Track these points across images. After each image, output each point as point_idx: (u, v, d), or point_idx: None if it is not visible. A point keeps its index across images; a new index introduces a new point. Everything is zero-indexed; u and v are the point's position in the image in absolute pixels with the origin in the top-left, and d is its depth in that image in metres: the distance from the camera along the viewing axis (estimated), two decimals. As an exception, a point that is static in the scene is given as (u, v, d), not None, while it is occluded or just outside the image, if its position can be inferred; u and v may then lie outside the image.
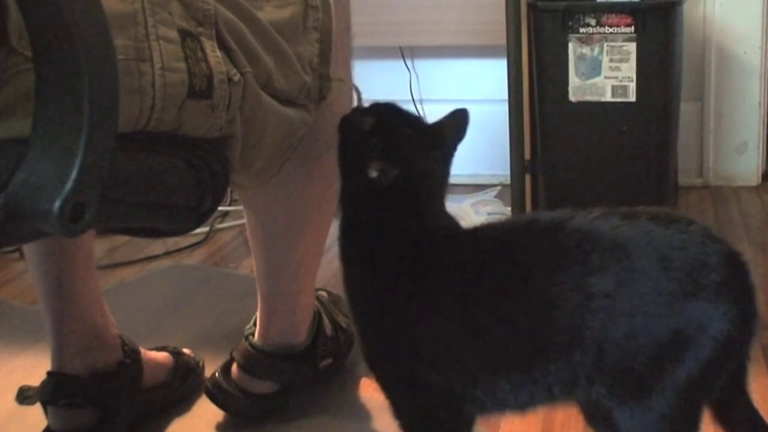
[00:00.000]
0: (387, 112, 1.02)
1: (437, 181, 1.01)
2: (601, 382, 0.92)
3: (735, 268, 0.92)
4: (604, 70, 2.12)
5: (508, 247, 0.96)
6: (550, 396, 0.94)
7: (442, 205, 1.02)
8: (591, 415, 0.95)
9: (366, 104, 1.06)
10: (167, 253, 2.19)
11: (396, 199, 0.98)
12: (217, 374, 1.42)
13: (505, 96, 2.10)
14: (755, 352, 0.96)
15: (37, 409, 1.34)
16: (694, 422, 0.95)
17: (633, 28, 2.08)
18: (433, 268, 0.96)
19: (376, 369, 1.03)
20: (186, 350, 1.53)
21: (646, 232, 0.91)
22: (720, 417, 0.99)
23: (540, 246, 0.94)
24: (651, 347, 0.89)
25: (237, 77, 0.95)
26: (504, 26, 2.05)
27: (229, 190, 1.05)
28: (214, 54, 0.92)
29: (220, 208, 1.40)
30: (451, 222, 1.01)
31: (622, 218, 0.93)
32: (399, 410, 1.02)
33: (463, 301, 0.95)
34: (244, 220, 1.49)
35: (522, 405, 0.96)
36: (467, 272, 0.95)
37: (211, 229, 2.31)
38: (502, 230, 1.00)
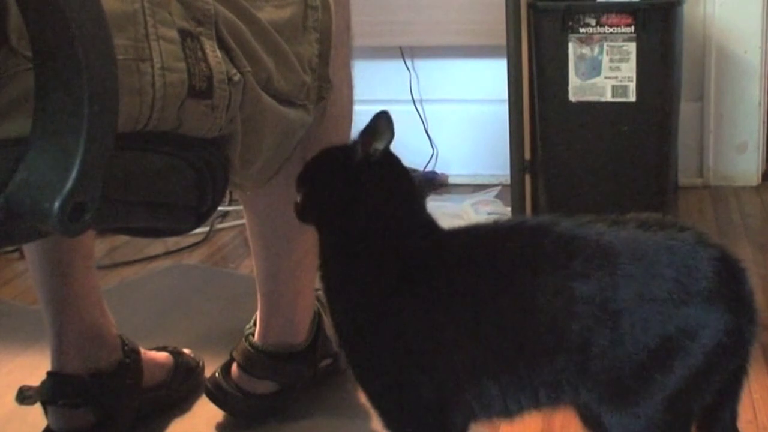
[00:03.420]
0: None
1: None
2: (588, 388, 0.91)
3: (729, 275, 0.90)
4: (604, 70, 2.12)
5: (494, 249, 0.95)
6: (536, 401, 0.94)
7: (423, 208, 1.02)
8: (584, 419, 0.95)
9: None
10: (167, 253, 2.19)
11: (378, 197, 0.98)
12: (217, 374, 1.42)
13: (505, 96, 2.10)
14: (755, 352, 0.95)
15: (37, 409, 1.34)
16: (684, 430, 0.94)
17: (633, 28, 2.08)
18: (420, 269, 0.96)
19: (363, 378, 1.02)
20: (186, 350, 1.53)
21: (633, 238, 0.91)
22: (701, 428, 0.98)
23: (525, 249, 0.93)
24: (639, 354, 0.89)
25: (237, 77, 0.94)
26: (504, 26, 2.05)
27: (229, 190, 1.05)
28: (214, 54, 0.92)
29: (220, 208, 1.40)
30: (434, 224, 1.01)
31: (609, 224, 0.92)
32: (388, 420, 1.02)
33: (449, 303, 0.94)
34: (244, 220, 1.49)
35: (510, 410, 0.95)
36: (453, 273, 0.95)
37: (211, 229, 2.31)
38: (488, 232, 0.99)
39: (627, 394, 0.90)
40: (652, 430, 0.91)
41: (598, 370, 0.90)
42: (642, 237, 0.91)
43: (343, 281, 1.00)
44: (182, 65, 0.89)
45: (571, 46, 2.12)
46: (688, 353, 0.89)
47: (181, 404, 1.46)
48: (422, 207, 1.01)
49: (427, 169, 2.71)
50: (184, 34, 0.90)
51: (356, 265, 0.99)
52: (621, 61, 2.11)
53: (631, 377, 0.90)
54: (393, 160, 1.00)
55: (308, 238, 1.36)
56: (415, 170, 2.65)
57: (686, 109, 2.45)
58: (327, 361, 1.49)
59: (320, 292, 1.54)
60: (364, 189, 0.98)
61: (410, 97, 2.68)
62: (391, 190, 0.99)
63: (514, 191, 2.14)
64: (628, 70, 2.11)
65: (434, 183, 2.67)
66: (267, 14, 1.01)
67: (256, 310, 1.43)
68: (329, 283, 1.02)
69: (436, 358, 0.95)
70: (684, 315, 0.88)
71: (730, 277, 0.90)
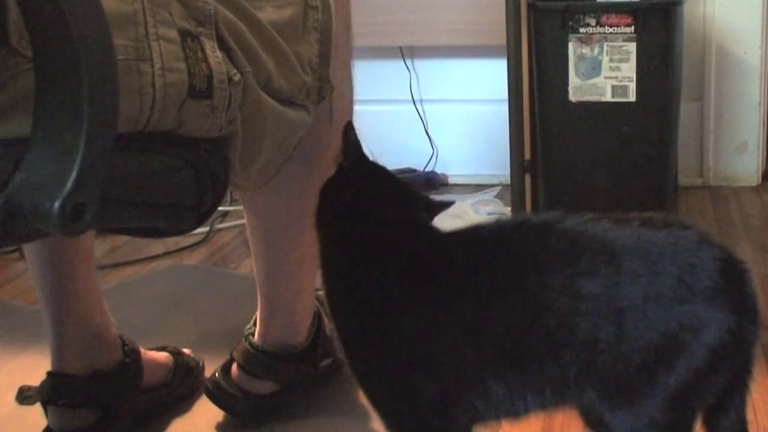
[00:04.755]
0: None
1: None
2: (592, 386, 0.91)
3: (732, 275, 0.90)
4: (604, 70, 2.12)
5: (498, 247, 0.95)
6: (542, 399, 0.94)
7: (413, 210, 1.02)
8: (586, 418, 0.95)
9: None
10: (167, 253, 2.19)
11: (379, 198, 0.99)
12: (217, 374, 1.42)
13: (505, 96, 2.10)
14: (756, 352, 0.95)
15: (37, 409, 1.34)
16: (686, 429, 0.94)
17: (633, 28, 2.08)
18: (425, 270, 0.96)
19: (365, 380, 1.02)
20: (186, 350, 1.53)
21: (637, 236, 0.91)
22: (709, 428, 0.98)
23: (530, 247, 0.93)
24: (642, 351, 0.89)
25: (237, 77, 0.94)
26: (504, 26, 2.05)
27: (229, 190, 1.05)
28: (214, 54, 0.92)
29: (220, 208, 1.40)
30: (427, 224, 1.02)
31: (613, 222, 0.92)
32: (390, 423, 1.01)
33: (455, 302, 0.94)
34: (244, 220, 1.49)
35: (516, 410, 0.95)
36: (459, 273, 0.95)
37: (211, 229, 2.31)
38: (493, 231, 0.99)
39: (630, 392, 0.91)
40: (654, 429, 0.91)
41: (602, 368, 0.90)
42: (646, 235, 0.91)
43: (345, 283, 1.00)
44: (182, 65, 0.89)
45: (571, 46, 2.13)
46: (690, 352, 0.89)
47: (181, 404, 1.46)
48: (411, 208, 1.02)
49: (427, 169, 2.71)
50: (184, 34, 0.90)
51: (356, 268, 0.99)
52: (621, 61, 2.11)
53: (635, 375, 0.90)
54: (367, 168, 1.02)
55: (308, 239, 1.36)
56: (413, 170, 2.66)
57: (686, 109, 2.46)
58: (327, 361, 1.49)
59: (320, 293, 1.55)
60: (342, 195, 1.01)
61: (410, 97, 2.68)
62: (372, 195, 1.00)
63: (514, 191, 2.14)
64: (628, 70, 2.11)
65: (434, 183, 2.67)
66: (267, 14, 1.01)
67: (256, 310, 1.43)
68: (330, 286, 1.02)
69: (441, 359, 0.95)
70: (687, 313, 0.88)
71: (733, 277, 0.91)
